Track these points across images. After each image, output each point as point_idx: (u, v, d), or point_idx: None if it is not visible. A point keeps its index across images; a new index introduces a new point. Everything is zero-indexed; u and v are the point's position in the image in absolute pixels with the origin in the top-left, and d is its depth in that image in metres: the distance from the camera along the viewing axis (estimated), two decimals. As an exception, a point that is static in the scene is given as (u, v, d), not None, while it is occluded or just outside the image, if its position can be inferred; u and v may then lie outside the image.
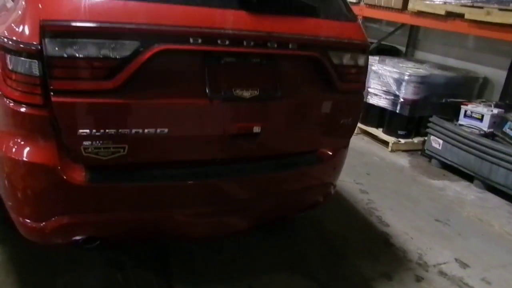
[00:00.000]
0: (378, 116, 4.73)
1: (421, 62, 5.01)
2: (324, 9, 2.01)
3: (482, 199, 3.61)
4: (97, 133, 1.58)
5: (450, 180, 3.92)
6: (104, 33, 1.52)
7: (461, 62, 4.96)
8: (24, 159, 1.60)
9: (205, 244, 2.42)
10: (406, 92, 4.35)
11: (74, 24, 1.48)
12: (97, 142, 1.59)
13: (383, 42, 5.60)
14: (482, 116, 3.97)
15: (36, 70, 1.50)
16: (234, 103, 1.79)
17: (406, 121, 4.50)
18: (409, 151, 4.53)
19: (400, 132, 4.55)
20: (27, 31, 1.50)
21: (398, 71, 4.43)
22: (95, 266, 2.18)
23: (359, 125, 4.90)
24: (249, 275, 2.28)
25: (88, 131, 1.57)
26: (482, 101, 4.27)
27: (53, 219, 1.67)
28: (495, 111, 3.95)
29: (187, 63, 1.72)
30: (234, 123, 1.84)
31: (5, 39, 1.55)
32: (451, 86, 4.50)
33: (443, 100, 4.48)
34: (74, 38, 1.49)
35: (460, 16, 3.96)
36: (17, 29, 1.54)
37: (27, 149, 1.61)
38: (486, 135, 3.85)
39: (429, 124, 4.27)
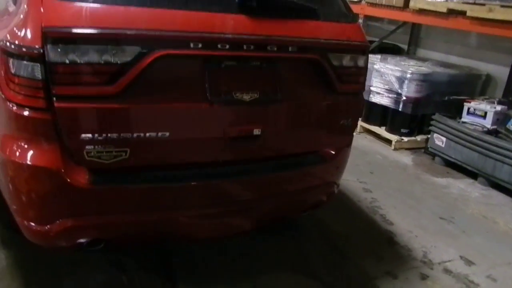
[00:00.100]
0: (380, 115, 4.73)
1: (423, 60, 4.99)
2: (324, 11, 2.02)
3: (486, 196, 3.59)
4: (100, 138, 1.59)
5: (454, 178, 3.91)
6: (105, 39, 1.53)
7: (464, 59, 4.94)
8: (28, 162, 1.61)
9: (209, 245, 2.43)
10: (408, 90, 4.34)
11: (76, 30, 1.49)
12: (100, 146, 1.60)
13: (385, 41, 5.59)
14: (485, 113, 3.95)
15: (38, 74, 1.51)
16: (234, 106, 1.81)
17: (409, 119, 4.49)
18: (412, 149, 4.52)
19: (403, 130, 4.54)
20: (29, 35, 1.51)
21: (400, 69, 4.41)
22: (99, 268, 2.18)
23: (362, 123, 4.90)
24: (252, 275, 2.28)
25: (90, 135, 1.58)
26: (485, 98, 4.25)
27: (57, 222, 1.67)
28: (498, 108, 3.93)
29: (188, 67, 1.73)
30: (235, 126, 1.84)
31: (8, 43, 1.56)
32: (453, 83, 4.48)
33: (446, 98, 4.47)
34: (76, 44, 1.50)
35: (462, 13, 3.94)
36: (19, 33, 1.54)
37: (31, 152, 1.61)
38: (489, 132, 3.83)
39: (432, 122, 4.26)
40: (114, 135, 1.61)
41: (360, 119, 4.90)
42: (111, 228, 1.81)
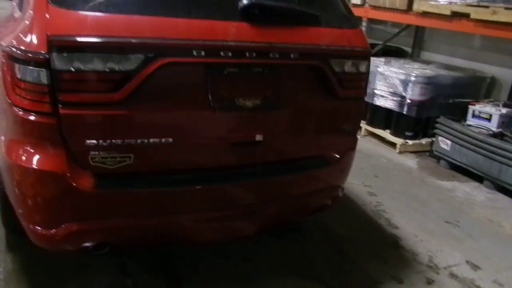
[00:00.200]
0: (385, 118, 4.72)
1: (427, 62, 4.99)
2: (326, 17, 2.03)
3: (492, 200, 3.57)
4: (104, 144, 1.61)
5: (459, 181, 3.89)
6: (110, 47, 1.55)
7: (468, 62, 4.93)
8: (34, 166, 1.62)
9: (214, 249, 2.43)
10: (413, 93, 4.33)
11: (81, 39, 1.51)
12: (104, 152, 1.62)
13: (388, 44, 5.59)
14: (491, 116, 3.93)
15: (44, 79, 1.52)
16: (237, 112, 1.83)
17: (414, 122, 4.48)
18: (417, 152, 4.50)
19: (407, 133, 4.53)
20: (35, 41, 1.53)
21: (404, 72, 4.41)
22: (104, 272, 2.19)
23: (366, 127, 4.89)
24: (256, 279, 2.27)
25: (95, 141, 1.60)
26: (490, 101, 4.23)
27: (63, 226, 1.68)
28: (504, 110, 3.91)
29: (191, 75, 1.75)
30: (238, 132, 1.86)
31: (14, 49, 1.58)
32: (458, 86, 4.47)
33: (450, 101, 4.46)
34: (81, 52, 1.52)
35: (466, 16, 3.94)
36: (25, 39, 1.56)
37: (37, 157, 1.63)
38: (495, 135, 3.82)
39: (436, 125, 4.25)
40: (119, 141, 1.63)
41: (364, 122, 4.90)
42: (116, 232, 1.81)
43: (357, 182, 3.52)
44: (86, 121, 1.59)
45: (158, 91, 1.66)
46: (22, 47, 1.55)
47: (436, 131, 4.25)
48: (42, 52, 1.50)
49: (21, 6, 1.93)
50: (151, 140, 1.68)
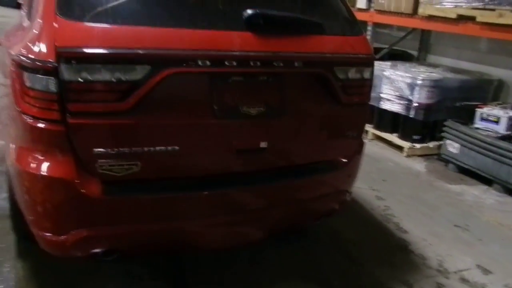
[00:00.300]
0: (392, 122, 4.70)
1: (433, 66, 4.97)
2: (329, 25, 2.05)
3: (502, 203, 3.53)
4: (111, 152, 1.63)
5: (468, 185, 3.86)
6: (117, 58, 1.58)
7: (475, 64, 4.91)
8: (43, 173, 1.64)
9: (221, 254, 2.42)
10: (419, 97, 4.32)
11: (88, 50, 1.54)
12: (112, 160, 1.64)
13: (394, 47, 5.58)
14: (499, 118, 3.91)
15: (53, 87, 1.55)
16: (241, 120, 1.84)
17: (421, 125, 4.46)
18: (424, 155, 4.48)
19: (415, 137, 4.51)
20: (43, 50, 1.55)
21: (411, 75, 4.40)
22: (114, 278, 2.19)
23: (373, 131, 4.88)
24: (264, 284, 2.27)
25: (103, 150, 1.62)
26: (498, 104, 4.21)
27: (72, 232, 1.69)
28: (512, 113, 3.89)
29: (196, 84, 1.77)
30: (243, 139, 1.88)
31: (23, 57, 1.61)
32: (465, 89, 4.45)
33: (458, 104, 4.43)
34: (88, 63, 1.55)
35: (472, 19, 3.93)
36: (34, 48, 1.59)
37: (46, 164, 1.64)
38: (503, 137, 3.79)
39: (444, 128, 4.22)
40: (126, 150, 1.65)
41: (371, 126, 4.89)
42: (125, 238, 1.82)
43: (364, 186, 3.51)
44: (94, 130, 1.62)
45: (163, 100, 1.68)
46: (31, 56, 1.57)
47: (444, 134, 4.22)
48: (51, 60, 1.52)
49: (29, 15, 1.96)
50: (157, 148, 1.70)
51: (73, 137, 1.59)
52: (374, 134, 4.89)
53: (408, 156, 4.43)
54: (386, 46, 5.52)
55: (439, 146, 4.37)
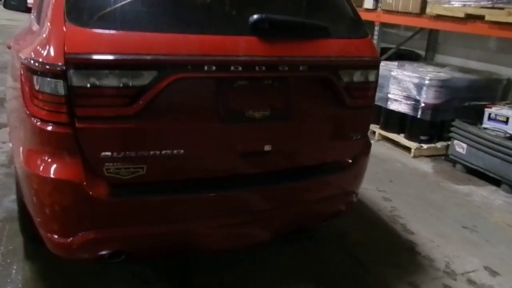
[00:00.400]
0: (399, 122, 4.67)
1: (441, 65, 4.93)
2: (335, 29, 2.05)
3: (510, 204, 3.50)
4: (118, 156, 1.65)
5: (476, 185, 3.83)
6: (124, 64, 1.60)
7: (483, 64, 4.87)
8: (51, 176, 1.65)
9: (228, 254, 2.43)
10: (427, 97, 4.29)
11: (96, 57, 1.56)
12: (118, 163, 1.66)
13: (401, 47, 5.55)
14: (507, 118, 3.87)
15: (61, 90, 1.56)
16: (246, 124, 1.85)
17: (428, 126, 4.43)
18: (432, 156, 4.45)
19: (422, 137, 4.48)
20: (52, 53, 1.57)
21: (418, 75, 4.37)
22: (121, 280, 2.21)
23: (380, 131, 4.85)
24: (272, 285, 2.27)
25: (109, 153, 1.64)
26: (507, 103, 4.17)
27: (79, 234, 1.70)
28: (521, 113, 3.85)
29: (202, 88, 1.78)
30: (248, 142, 1.88)
31: (32, 61, 1.63)
32: (473, 89, 4.42)
33: (466, 104, 4.40)
34: (96, 69, 1.57)
35: (480, 18, 3.89)
36: (43, 51, 1.61)
37: (54, 166, 1.66)
38: (512, 137, 3.76)
39: (452, 128, 4.19)
40: (132, 153, 1.67)
41: (378, 126, 4.87)
42: (132, 240, 1.83)
43: (371, 187, 3.50)
44: (101, 134, 1.63)
45: (170, 104, 1.70)
46: (40, 60, 1.59)
47: (451, 134, 4.19)
48: (60, 64, 1.54)
49: (38, 19, 1.98)
50: (163, 152, 1.71)
51: (80, 142, 1.61)
52: (381, 135, 4.87)
53: (415, 156, 4.41)
54: (394, 46, 5.49)
55: (447, 147, 4.34)
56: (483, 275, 2.52)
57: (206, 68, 1.69)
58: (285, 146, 1.99)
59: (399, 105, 4.58)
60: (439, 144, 4.50)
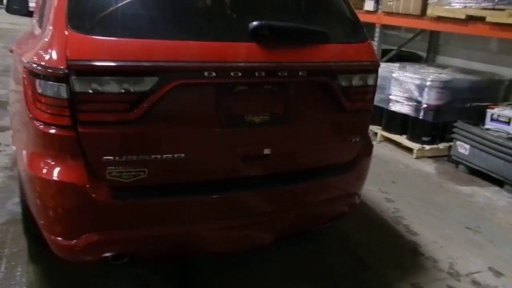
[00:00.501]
0: (401, 123, 4.67)
1: (443, 67, 4.94)
2: (334, 34, 2.06)
3: (514, 205, 3.50)
4: (120, 159, 1.66)
5: (479, 186, 3.82)
6: (126, 71, 1.62)
7: (485, 65, 4.87)
8: (55, 178, 1.66)
9: (231, 257, 2.43)
10: (429, 98, 4.29)
11: (98, 63, 1.58)
12: (120, 167, 1.67)
13: (403, 49, 5.56)
14: (510, 119, 3.86)
15: (64, 93, 1.58)
16: (246, 128, 1.87)
17: (430, 127, 4.43)
18: (434, 157, 4.44)
19: (424, 139, 4.47)
20: (54, 57, 1.58)
21: (420, 77, 4.37)
22: (123, 282, 2.21)
23: (382, 132, 4.85)
24: (271, 286, 2.27)
25: (111, 158, 1.65)
26: (509, 104, 4.17)
27: (83, 236, 1.71)
28: (523, 113, 3.84)
29: (202, 94, 1.79)
30: (247, 146, 1.90)
31: (34, 65, 1.64)
32: (475, 90, 4.41)
33: (468, 105, 4.40)
34: (98, 76, 1.58)
35: (481, 19, 3.89)
36: (45, 55, 1.62)
37: (57, 169, 1.67)
38: (514, 138, 3.75)
39: (454, 129, 4.19)
40: (133, 158, 1.68)
41: (380, 128, 4.87)
42: (135, 242, 1.84)
43: (374, 189, 3.49)
44: (103, 139, 1.65)
45: (170, 110, 1.71)
46: (42, 63, 1.61)
47: (454, 135, 4.19)
48: (62, 67, 1.55)
49: (40, 23, 2.00)
50: (164, 156, 1.73)
51: (83, 146, 1.63)
52: (383, 136, 4.86)
53: (418, 157, 4.40)
54: (395, 48, 5.50)
55: (449, 148, 4.34)
56: (488, 276, 2.51)
57: (206, 74, 1.71)
58: (284, 150, 2.01)
59: (401, 107, 4.58)
60: (441, 145, 4.50)
